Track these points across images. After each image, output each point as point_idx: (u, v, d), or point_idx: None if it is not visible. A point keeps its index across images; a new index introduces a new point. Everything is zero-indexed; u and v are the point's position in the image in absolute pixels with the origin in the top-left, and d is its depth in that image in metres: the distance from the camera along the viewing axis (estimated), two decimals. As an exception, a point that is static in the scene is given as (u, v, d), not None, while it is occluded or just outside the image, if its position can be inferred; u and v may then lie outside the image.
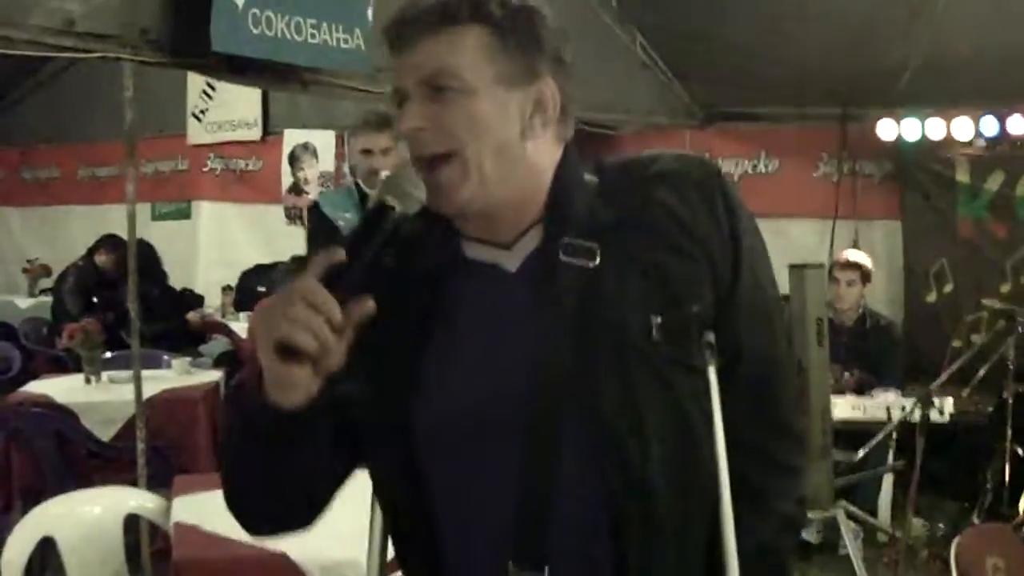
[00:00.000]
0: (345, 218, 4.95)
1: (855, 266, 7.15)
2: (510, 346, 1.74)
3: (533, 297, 1.75)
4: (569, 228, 1.77)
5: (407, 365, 1.76)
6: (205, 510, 3.71)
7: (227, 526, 3.46)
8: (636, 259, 1.76)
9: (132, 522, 4.18)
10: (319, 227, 5.18)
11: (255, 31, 4.27)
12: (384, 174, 4.69)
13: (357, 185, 5.23)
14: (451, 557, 1.80)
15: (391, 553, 1.93)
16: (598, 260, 1.74)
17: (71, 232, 12.18)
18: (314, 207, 5.35)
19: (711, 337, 1.81)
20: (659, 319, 1.73)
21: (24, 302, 11.48)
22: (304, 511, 1.84)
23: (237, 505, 1.82)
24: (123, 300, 8.59)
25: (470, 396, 1.74)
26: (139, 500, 4.16)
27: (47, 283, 11.41)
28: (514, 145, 1.75)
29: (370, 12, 4.95)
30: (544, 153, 1.80)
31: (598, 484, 1.72)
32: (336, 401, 1.71)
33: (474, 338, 1.77)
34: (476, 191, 1.72)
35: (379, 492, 1.89)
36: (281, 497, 1.78)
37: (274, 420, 1.61)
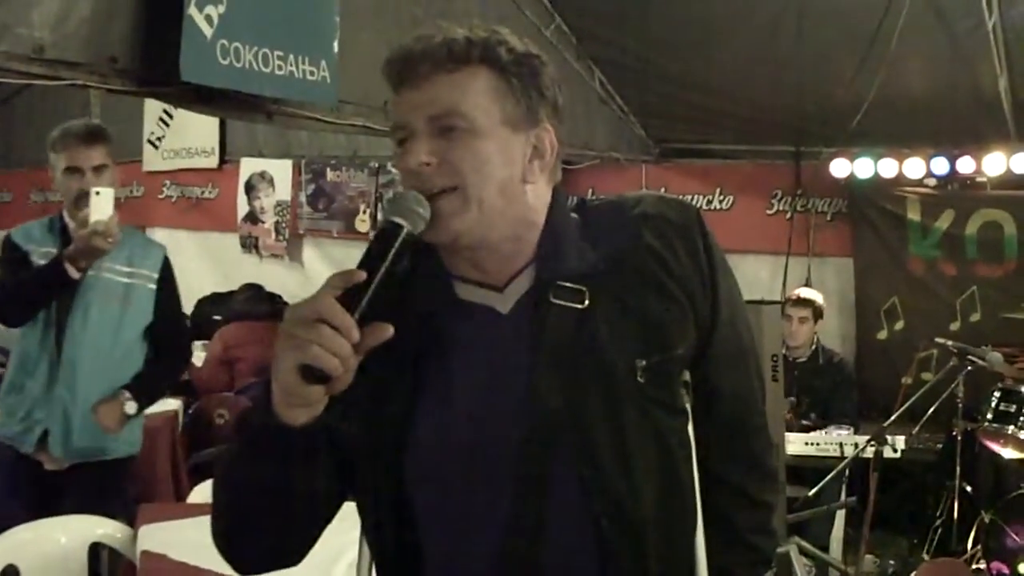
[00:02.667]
0: (40, 252, 4.52)
1: (807, 303, 7.21)
2: (502, 388, 1.76)
3: (525, 339, 1.77)
4: (560, 271, 1.79)
5: (401, 407, 1.76)
6: (172, 539, 3.72)
7: (195, 555, 3.50)
8: (623, 301, 1.79)
9: (95, 551, 4.14)
10: (8, 256, 4.60)
11: (223, 62, 4.27)
12: (98, 192, 4.32)
13: (61, 216, 4.67)
14: None
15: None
16: (587, 302, 1.78)
17: (23, 257, 12.08)
18: (7, 237, 4.72)
19: (687, 376, 1.87)
20: (644, 362, 1.77)
21: (-27, 328, 11.23)
22: (296, 544, 1.83)
23: (231, 539, 1.80)
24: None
25: (463, 438, 1.75)
26: (105, 528, 4.12)
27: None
28: (515, 185, 1.77)
29: (336, 45, 4.95)
30: (539, 196, 1.83)
31: (588, 525, 1.75)
32: (332, 439, 1.73)
33: (467, 380, 1.78)
34: (474, 222, 1.73)
35: (368, 529, 1.90)
36: (278, 527, 1.77)
37: (285, 437, 1.62)
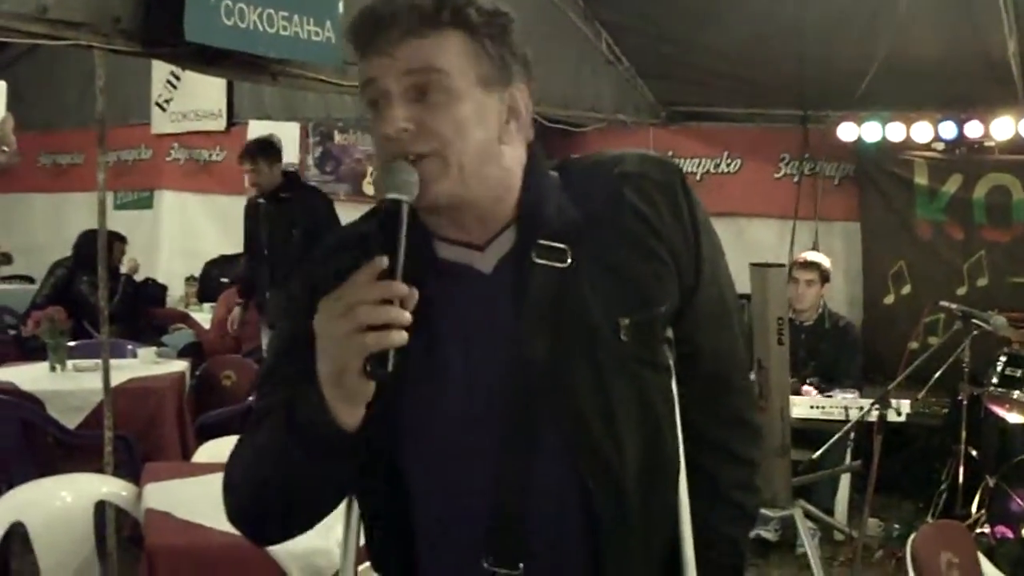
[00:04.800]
0: None
1: (814, 266, 7.17)
2: (486, 347, 1.76)
3: (508, 299, 1.77)
4: (541, 230, 1.79)
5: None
6: (176, 497, 3.75)
7: (199, 513, 3.52)
8: (605, 260, 1.80)
9: (100, 508, 4.17)
10: None
11: (228, 22, 4.27)
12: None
13: None
14: (427, 554, 1.83)
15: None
16: (569, 261, 1.78)
17: (32, 219, 12.09)
18: None
19: (669, 333, 1.87)
20: (627, 320, 1.78)
21: (-17, 288, 11.22)
22: (321, 517, 1.86)
23: (260, 523, 1.83)
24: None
25: (450, 401, 1.76)
26: (110, 487, 4.14)
27: (7, 271, 11.29)
28: (492, 147, 1.76)
29: (341, 5, 4.94)
30: (515, 156, 1.82)
31: (574, 482, 1.76)
32: None
33: (451, 340, 1.78)
34: (453, 186, 1.72)
35: (358, 495, 1.91)
36: (313, 511, 1.82)
37: (345, 441, 1.65)
